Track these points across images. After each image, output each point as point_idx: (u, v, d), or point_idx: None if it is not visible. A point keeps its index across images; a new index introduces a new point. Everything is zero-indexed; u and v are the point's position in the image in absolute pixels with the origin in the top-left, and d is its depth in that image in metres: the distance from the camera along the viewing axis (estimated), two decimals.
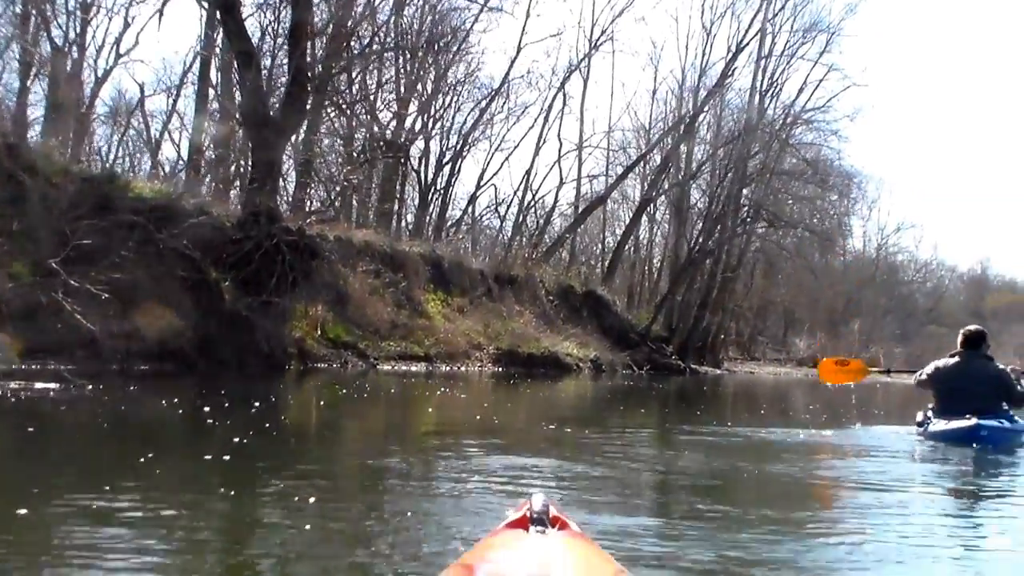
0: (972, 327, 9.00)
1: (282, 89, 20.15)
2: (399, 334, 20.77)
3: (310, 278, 16.91)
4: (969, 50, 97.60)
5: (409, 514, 4.12)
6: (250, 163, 19.55)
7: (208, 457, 5.65)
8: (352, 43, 24.11)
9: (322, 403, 11.31)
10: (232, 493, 4.59)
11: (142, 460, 5.29)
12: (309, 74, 18.77)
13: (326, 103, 25.92)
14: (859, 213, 55.40)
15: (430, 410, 11.11)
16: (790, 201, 39.83)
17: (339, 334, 18.93)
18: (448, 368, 20.70)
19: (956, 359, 8.66)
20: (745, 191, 37.72)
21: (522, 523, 2.13)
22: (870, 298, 56.67)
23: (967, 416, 7.79)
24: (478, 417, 8.80)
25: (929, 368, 8.88)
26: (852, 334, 51.77)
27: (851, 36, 49.36)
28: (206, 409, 8.62)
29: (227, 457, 5.56)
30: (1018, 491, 5.91)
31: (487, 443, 7.18)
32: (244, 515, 4.24)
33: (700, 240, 37.18)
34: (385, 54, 30.12)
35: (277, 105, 18.61)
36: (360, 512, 4.29)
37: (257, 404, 9.47)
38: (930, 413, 8.70)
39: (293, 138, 23.95)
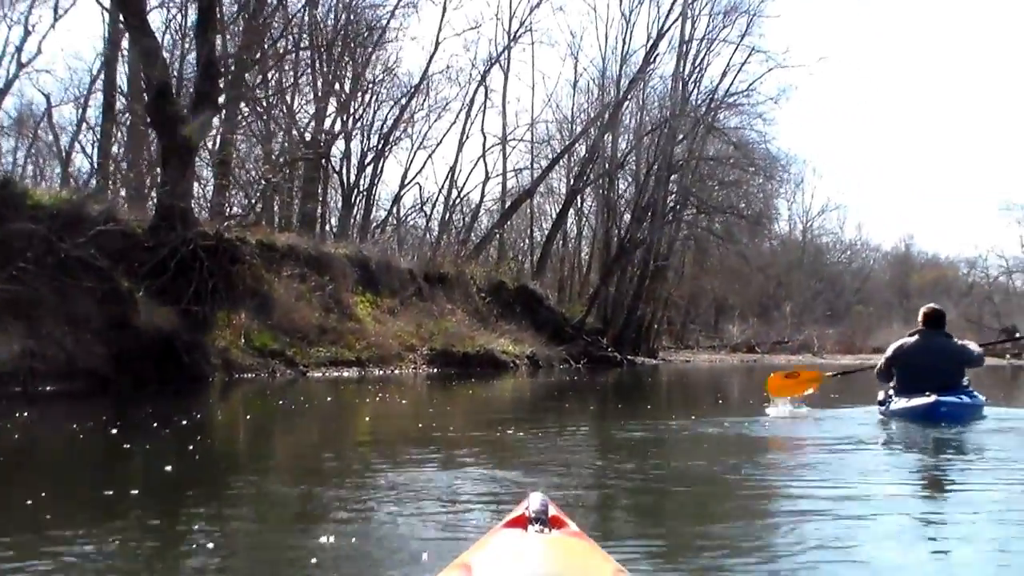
0: (931, 306, 9.27)
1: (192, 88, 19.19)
2: (328, 339, 19.90)
3: (231, 284, 15.99)
4: (889, 28, 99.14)
5: (353, 540, 3.71)
6: (160, 166, 18.48)
7: (121, 487, 4.94)
8: (265, 40, 23.28)
9: (248, 417, 10.45)
10: (147, 529, 4.03)
11: (43, 495, 4.60)
12: (220, 68, 17.78)
13: (242, 103, 25.02)
14: (786, 196, 55.83)
15: (367, 419, 10.33)
16: (718, 187, 39.61)
17: (265, 342, 18.01)
18: (381, 372, 19.91)
19: (917, 337, 8.84)
20: (673, 178, 37.39)
21: (520, 522, 2.09)
22: (800, 281, 57.08)
23: (927, 393, 7.98)
24: (419, 425, 8.09)
25: (889, 351, 9.06)
26: (784, 318, 52.02)
27: (772, 17, 49.46)
28: (120, 432, 7.77)
29: (140, 489, 4.84)
30: (976, 464, 6.11)
31: (427, 454, 6.66)
32: (164, 555, 3.58)
33: (630, 230, 36.84)
34: (301, 52, 29.34)
35: (187, 104, 17.64)
36: (297, 540, 3.87)
37: (179, 422, 8.68)
38: (891, 391, 8.84)
39: (209, 142, 23.05)
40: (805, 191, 61.10)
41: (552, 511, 2.12)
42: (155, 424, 8.61)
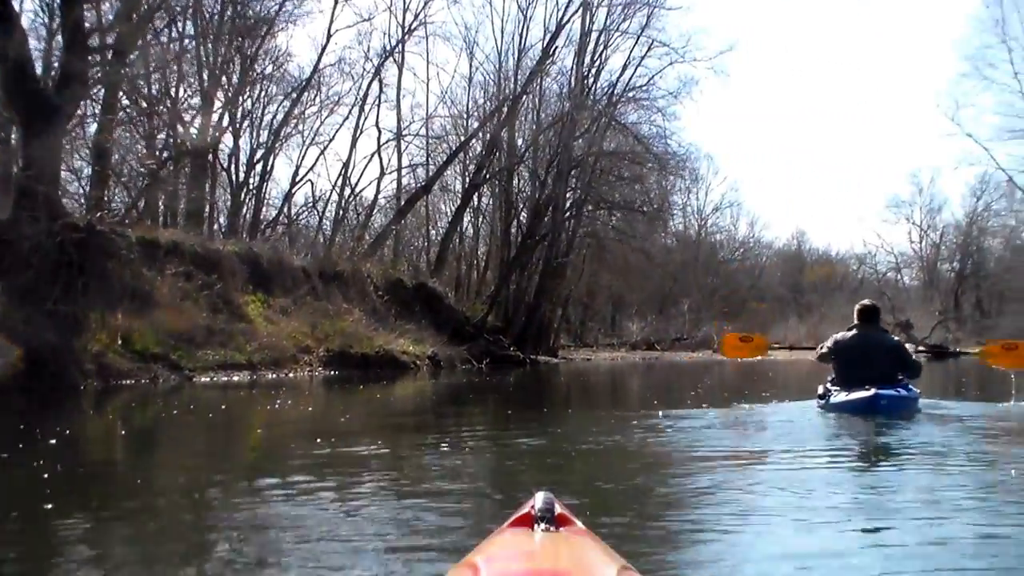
0: (867, 302, 9.56)
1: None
2: (217, 341, 18.57)
3: (106, 282, 14.54)
4: (787, 25, 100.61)
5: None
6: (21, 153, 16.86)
7: None
8: (143, 18, 21.77)
9: (123, 433, 9.19)
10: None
11: None
12: (90, 42, 16.27)
13: (120, 94, 23.50)
14: (685, 192, 55.93)
15: (258, 431, 9.15)
16: (617, 183, 39.20)
17: (147, 345, 16.60)
18: (274, 375, 18.67)
19: (854, 332, 9.12)
20: (572, 173, 36.80)
21: (526, 521, 2.07)
22: (696, 278, 57.31)
23: (866, 387, 8.22)
24: (317, 440, 6.99)
25: (829, 342, 9.35)
26: (681, 315, 52.10)
27: (674, 9, 48.50)
28: None
29: None
30: (916, 455, 6.20)
31: (323, 468, 5.84)
32: None
33: (530, 227, 36.18)
34: (186, 41, 27.84)
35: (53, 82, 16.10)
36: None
37: (43, 438, 7.51)
38: (830, 385, 9.08)
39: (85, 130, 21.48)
40: (701, 188, 61.39)
41: (558, 509, 2.09)
42: (14, 441, 7.34)
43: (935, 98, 59.48)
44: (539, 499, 2.10)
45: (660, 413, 9.05)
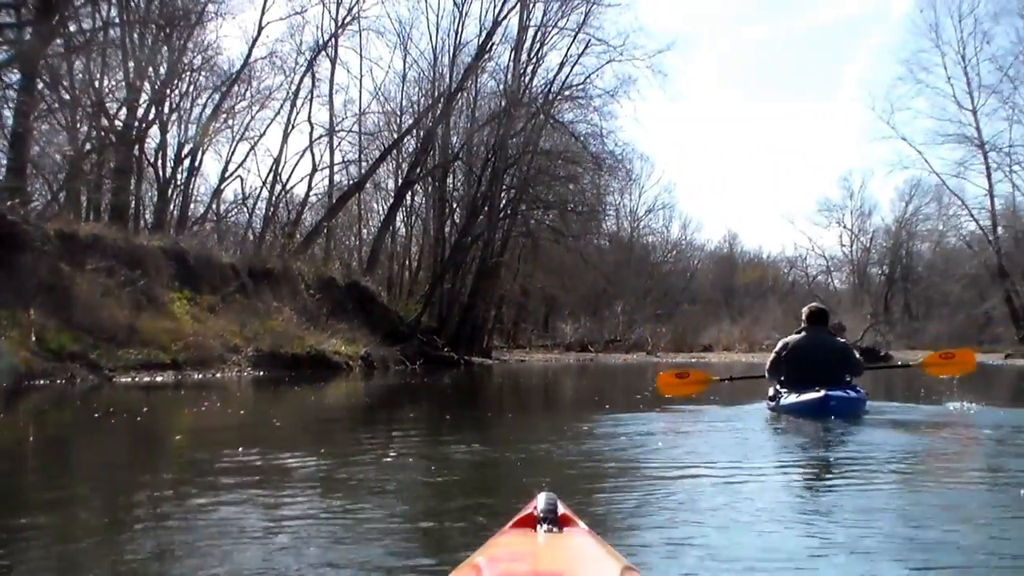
0: (815, 305, 9.79)
1: None
2: (139, 340, 17.77)
3: (16, 275, 13.69)
4: (729, 24, 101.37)
5: None
6: None
7: None
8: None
9: (32, 438, 8.46)
10: None
11: None
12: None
13: (39, 80, 22.50)
14: (620, 193, 55.76)
15: (182, 436, 8.48)
16: (554, 182, 38.85)
17: (64, 343, 15.78)
18: (201, 376, 17.90)
19: (803, 335, 9.23)
20: (508, 172, 36.37)
21: (529, 522, 2.07)
22: (629, 280, 57.31)
23: (816, 389, 8.30)
24: (239, 449, 6.40)
25: (778, 346, 9.41)
26: (615, 316, 52.02)
27: (613, 6, 47.73)
28: None
29: None
30: (865, 456, 6.18)
31: (251, 478, 5.25)
32: None
33: (465, 226, 35.72)
34: (111, 30, 26.82)
35: None
36: None
37: None
38: (780, 387, 9.12)
39: None
40: (635, 189, 61.43)
41: (561, 509, 2.09)
42: None
43: (870, 101, 60.24)
44: (542, 500, 2.10)
45: (606, 416, 8.92)
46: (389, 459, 6.09)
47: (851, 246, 70.30)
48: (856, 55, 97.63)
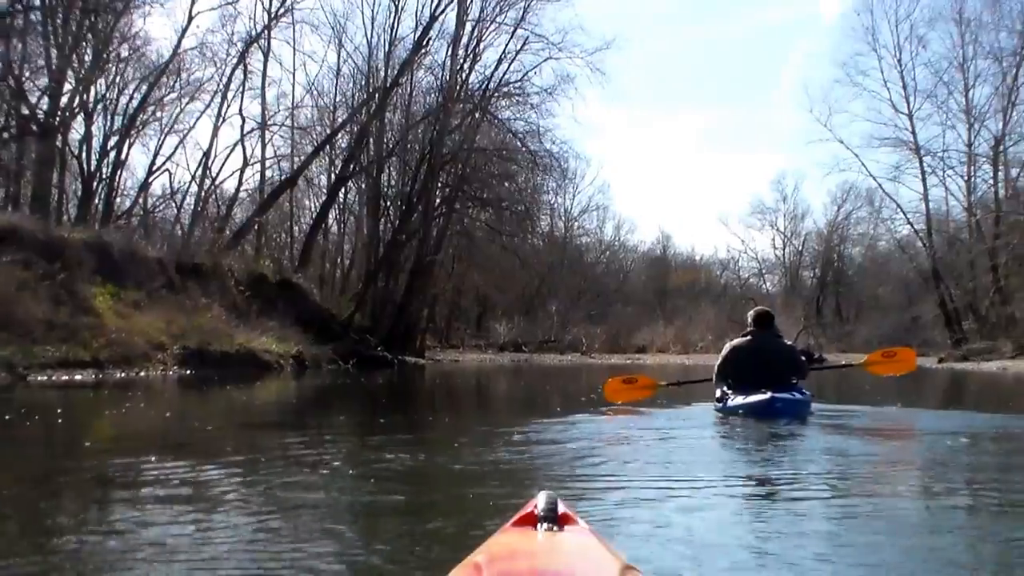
0: (761, 308, 10.02)
1: None
2: (58, 336, 17.00)
3: None
4: (668, 23, 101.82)
5: None
6: None
7: None
8: None
9: None
10: None
11: None
12: None
13: None
14: (556, 192, 55.37)
15: (87, 444, 7.69)
16: (490, 180, 38.40)
17: None
18: (124, 374, 17.19)
19: (749, 338, 9.38)
20: (444, 169, 35.86)
21: (529, 520, 2.07)
22: (563, 280, 57.19)
23: (762, 390, 8.40)
24: (152, 459, 5.83)
25: (725, 350, 9.56)
26: (549, 317, 51.85)
27: (552, 1, 46.91)
28: None
29: None
30: (806, 456, 6.36)
31: (175, 487, 4.82)
32: None
33: (400, 223, 35.17)
34: (31, 15, 25.81)
35: None
36: None
37: None
38: (727, 389, 9.23)
39: None
40: (569, 189, 61.20)
41: (561, 509, 2.08)
42: None
43: (808, 103, 60.85)
44: (542, 499, 2.08)
45: (549, 420, 8.68)
46: (319, 467, 5.56)
47: (784, 249, 71.22)
48: (790, 59, 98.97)
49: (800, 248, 70.83)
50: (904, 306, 53.07)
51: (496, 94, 36.64)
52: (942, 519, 4.12)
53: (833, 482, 5.12)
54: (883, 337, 46.77)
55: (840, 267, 68.36)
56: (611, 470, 5.53)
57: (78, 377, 16.06)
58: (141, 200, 33.29)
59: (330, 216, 39.86)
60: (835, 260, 68.35)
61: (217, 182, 34.51)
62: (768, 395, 8.32)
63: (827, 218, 69.32)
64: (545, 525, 2.01)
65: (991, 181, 42.12)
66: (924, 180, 43.26)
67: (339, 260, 42.49)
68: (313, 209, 40.13)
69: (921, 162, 43.10)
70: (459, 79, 35.57)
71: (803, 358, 9.81)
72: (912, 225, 45.49)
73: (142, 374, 17.73)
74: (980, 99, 42.16)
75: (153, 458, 5.71)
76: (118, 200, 31.68)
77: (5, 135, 25.56)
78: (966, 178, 42.47)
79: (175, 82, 31.23)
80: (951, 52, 42.18)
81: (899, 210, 46.01)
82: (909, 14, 44.09)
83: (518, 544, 1.95)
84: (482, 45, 36.19)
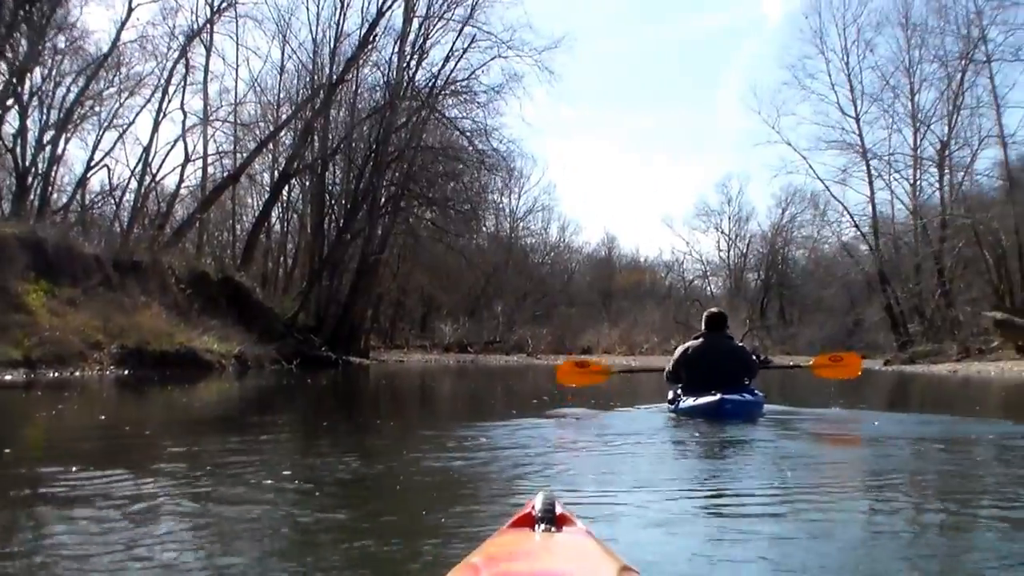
0: (713, 310, 10.13)
1: None
2: None
3: None
4: (616, 24, 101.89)
5: None
6: None
7: None
8: None
9: None
10: None
11: None
12: None
13: None
14: (502, 192, 55.13)
15: (7, 450, 7.24)
16: (436, 178, 38.06)
17: None
18: (58, 374, 16.61)
19: (701, 340, 9.52)
20: (391, 167, 35.42)
21: (527, 521, 2.06)
22: (508, 281, 57.01)
23: (712, 392, 8.49)
24: (73, 470, 5.41)
25: (677, 353, 9.73)
26: (494, 317, 51.65)
27: None
28: None
29: None
30: (753, 456, 6.59)
31: (104, 495, 4.36)
32: None
33: (345, 221, 34.68)
34: None
35: None
36: None
37: None
38: (680, 391, 9.34)
39: None
40: (515, 189, 61.00)
41: (559, 509, 2.07)
42: None
43: (756, 105, 61.28)
44: (539, 500, 2.08)
45: (501, 422, 8.48)
46: (259, 478, 5.07)
47: (728, 251, 71.77)
48: (734, 62, 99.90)
49: (744, 250, 71.54)
50: (847, 309, 53.61)
51: (443, 92, 36.32)
52: (886, 524, 4.10)
53: (780, 487, 5.06)
54: (826, 340, 47.22)
55: (784, 270, 69.10)
56: (565, 478, 5.30)
57: (8, 377, 15.48)
58: (79, 196, 32.47)
59: (273, 214, 39.24)
60: (779, 263, 69.07)
61: (158, 178, 33.75)
62: (717, 397, 8.41)
63: (771, 221, 70.09)
64: (543, 526, 2.00)
65: (937, 184, 42.72)
66: (871, 183, 43.74)
67: (282, 259, 41.84)
68: (256, 207, 39.49)
69: (868, 165, 43.59)
70: (406, 76, 35.22)
71: (754, 359, 9.98)
72: (859, 228, 45.94)
73: (77, 374, 17.16)
74: (926, 103, 42.78)
75: (75, 468, 5.23)
76: (55, 196, 30.92)
77: None
78: (912, 181, 43.05)
79: (114, 76, 30.56)
80: (898, 56, 42.74)
81: (846, 213, 46.49)
82: (856, 18, 44.62)
83: (515, 545, 1.95)
84: (429, 42, 35.86)
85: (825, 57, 45.14)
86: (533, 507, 2.08)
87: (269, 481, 4.92)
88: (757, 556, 3.35)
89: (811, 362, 11.18)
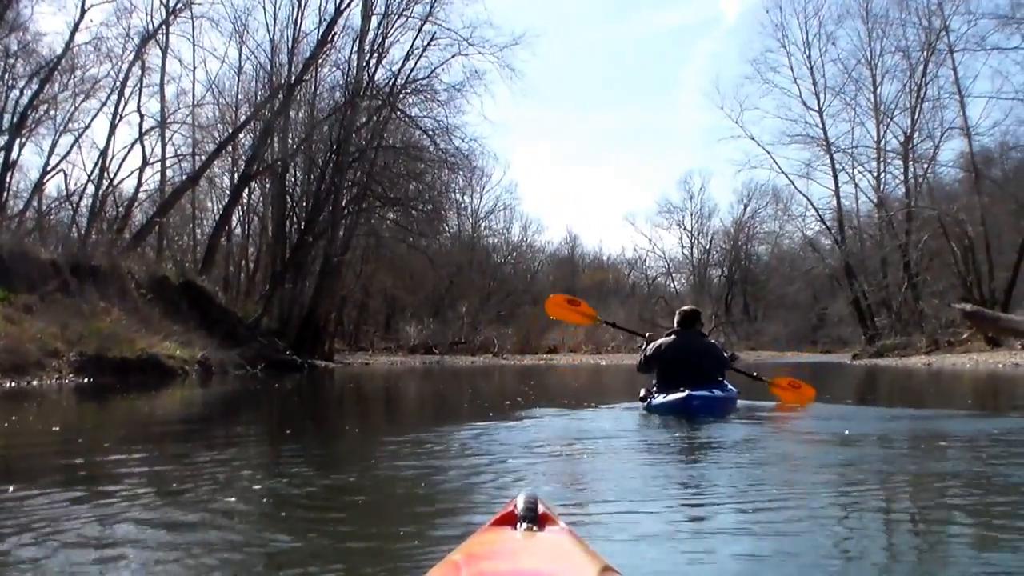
0: (686, 307, 10.28)
1: None
2: None
3: None
4: (576, 20, 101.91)
5: None
6: None
7: None
8: None
9: None
10: None
11: None
12: None
13: None
14: (464, 192, 54.86)
15: None
16: (398, 178, 37.72)
17: None
18: (14, 384, 16.19)
19: (673, 337, 9.65)
20: (352, 167, 35.06)
21: (509, 520, 2.05)
22: (474, 280, 56.75)
23: (682, 388, 8.73)
24: (21, 486, 5.12)
25: (650, 349, 9.73)
26: (459, 318, 51.39)
27: None
28: None
29: None
30: (721, 447, 6.87)
31: (67, 512, 4.10)
32: None
33: (306, 223, 34.31)
34: None
35: None
36: None
37: None
38: (653, 388, 9.49)
39: None
40: (477, 188, 60.76)
41: (541, 509, 2.06)
42: None
43: (719, 100, 61.51)
44: (521, 499, 2.07)
45: (473, 425, 8.24)
46: (222, 494, 4.71)
47: (691, 248, 71.95)
48: (693, 58, 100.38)
49: (708, 247, 71.73)
50: (812, 304, 53.82)
51: (404, 91, 36.04)
52: (852, 521, 4.07)
53: (754, 485, 5.01)
54: (791, 335, 47.42)
55: (748, 265, 69.36)
56: (541, 481, 5.16)
57: None
58: (35, 202, 31.90)
59: (234, 217, 38.80)
60: (742, 259, 69.31)
61: (115, 182, 33.38)
62: (685, 393, 8.63)
63: (733, 216, 70.38)
64: (524, 525, 2.00)
65: (901, 177, 42.84)
66: (835, 177, 43.87)
67: (243, 262, 41.35)
68: (216, 210, 39.04)
69: (832, 158, 43.69)
70: (366, 75, 34.94)
71: (725, 355, 10.24)
72: (824, 222, 46.06)
73: (35, 383, 16.73)
74: (889, 95, 42.99)
75: (24, 484, 4.99)
76: (10, 202, 30.33)
77: None
78: (876, 174, 43.23)
79: (69, 79, 30.11)
80: (860, 49, 42.93)
81: (810, 207, 46.61)
82: (818, 11, 44.95)
83: (497, 543, 1.94)
84: (389, 40, 35.61)
85: (787, 51, 45.40)
86: (515, 506, 2.06)
87: (232, 499, 4.62)
88: (734, 553, 3.36)
89: (772, 380, 11.14)
